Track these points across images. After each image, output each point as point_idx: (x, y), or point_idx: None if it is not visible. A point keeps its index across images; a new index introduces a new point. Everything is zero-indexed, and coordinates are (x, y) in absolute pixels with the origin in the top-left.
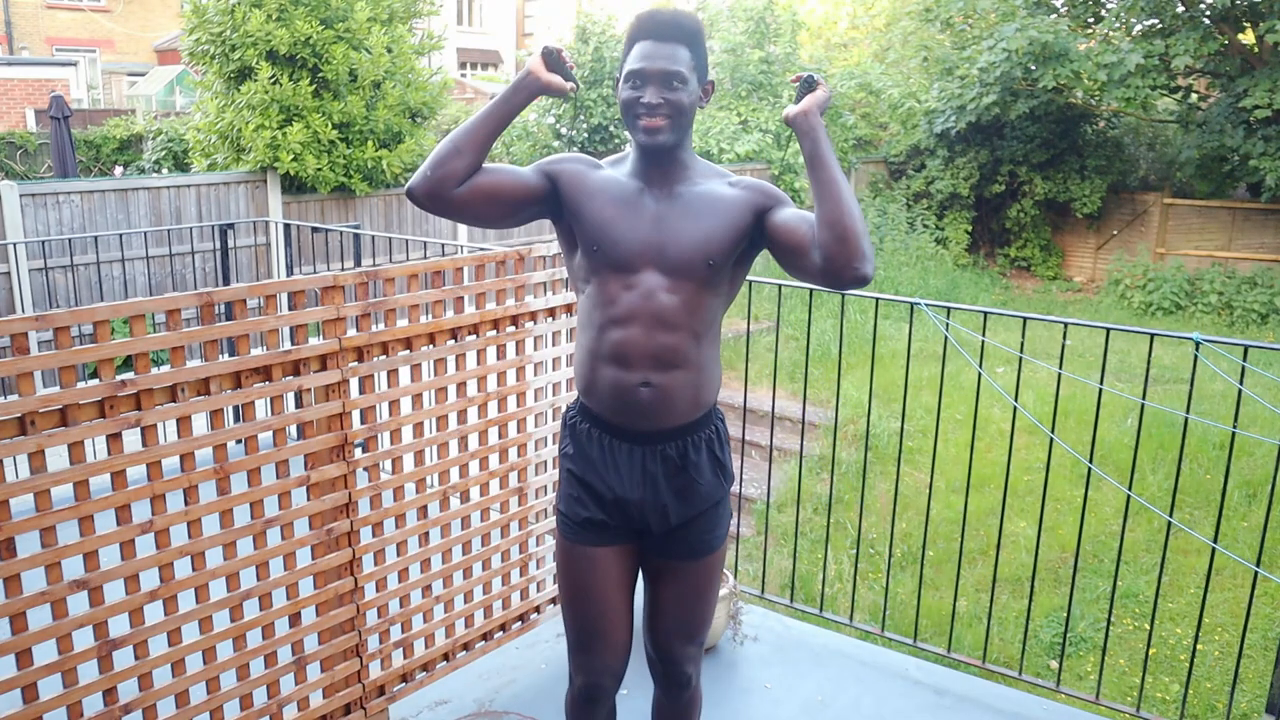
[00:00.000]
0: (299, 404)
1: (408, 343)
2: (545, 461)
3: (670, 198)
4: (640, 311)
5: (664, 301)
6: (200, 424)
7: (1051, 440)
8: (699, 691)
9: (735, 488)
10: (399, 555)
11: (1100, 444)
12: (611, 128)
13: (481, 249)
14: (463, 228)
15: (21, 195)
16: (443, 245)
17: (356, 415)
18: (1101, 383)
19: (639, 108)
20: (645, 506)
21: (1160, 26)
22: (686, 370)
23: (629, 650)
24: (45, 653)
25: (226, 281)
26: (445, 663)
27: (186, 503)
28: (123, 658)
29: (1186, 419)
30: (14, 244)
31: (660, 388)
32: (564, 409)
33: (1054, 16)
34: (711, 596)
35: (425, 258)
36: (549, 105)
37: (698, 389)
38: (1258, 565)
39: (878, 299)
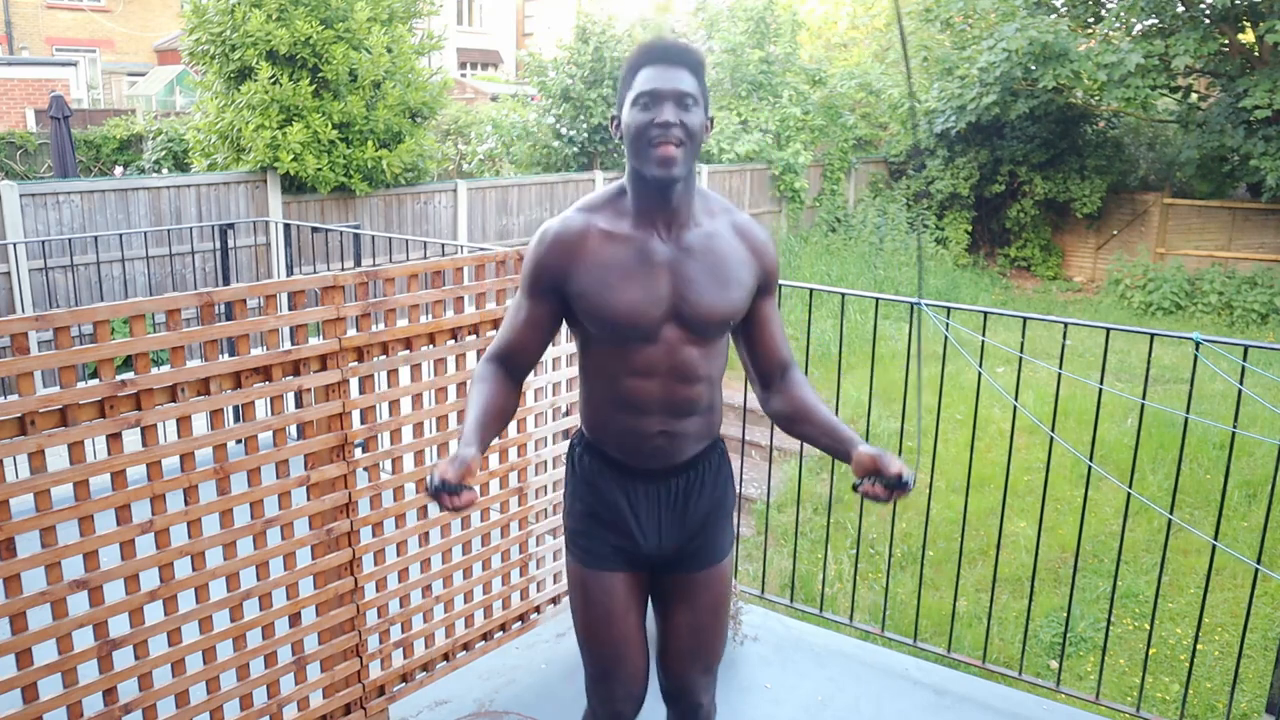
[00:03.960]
0: (299, 404)
1: (408, 343)
2: (545, 461)
3: (680, 246)
4: (660, 366)
5: (685, 356)
6: (200, 424)
7: (1051, 440)
8: (713, 717)
9: (735, 487)
10: (399, 555)
11: (1100, 444)
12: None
13: (481, 249)
14: (462, 227)
15: (21, 195)
16: (443, 245)
17: (356, 415)
18: (1101, 383)
19: (653, 130)
20: (657, 535)
21: (1160, 26)
22: (699, 415)
23: (647, 678)
24: (45, 653)
25: (226, 281)
26: (445, 663)
27: (186, 503)
28: (123, 658)
29: (1186, 419)
30: (14, 244)
31: (675, 433)
32: (570, 443)
33: (1054, 16)
34: (723, 617)
35: (425, 258)
36: (549, 105)
37: (709, 427)
38: (1258, 564)
39: (878, 299)
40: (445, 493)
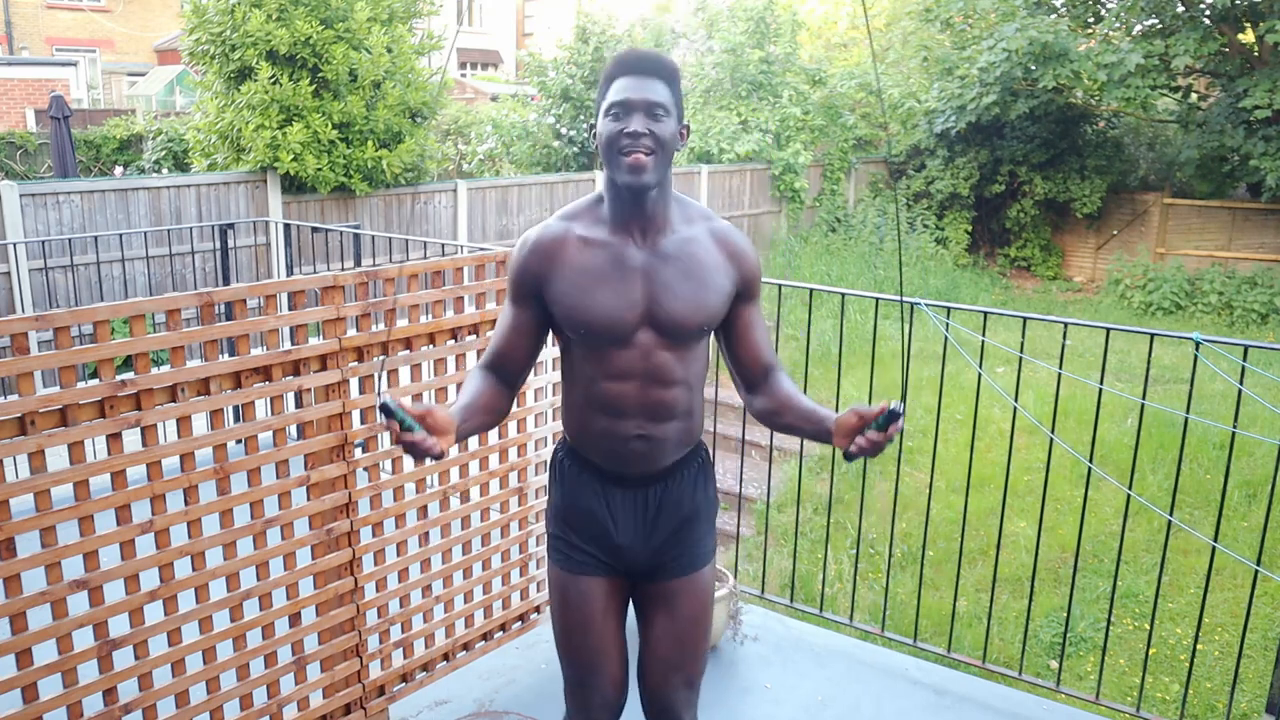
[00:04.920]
0: (299, 404)
1: (408, 343)
2: (545, 461)
3: (656, 252)
4: (635, 369)
5: (659, 360)
6: (200, 424)
7: (1051, 440)
8: None
9: (735, 487)
10: (399, 555)
11: (1100, 444)
12: None
13: (481, 249)
14: (462, 227)
15: (21, 195)
16: (443, 245)
17: (356, 415)
18: (1101, 383)
19: (623, 140)
20: (636, 542)
21: (1160, 26)
22: (678, 420)
23: (626, 688)
24: (45, 653)
25: (226, 281)
26: (445, 663)
27: (186, 503)
28: (123, 658)
29: (1186, 419)
30: (14, 244)
31: (653, 437)
32: (554, 449)
33: (1054, 16)
34: (704, 628)
35: (425, 258)
36: (549, 105)
37: (688, 433)
38: (1258, 565)
39: (878, 299)
40: (392, 418)
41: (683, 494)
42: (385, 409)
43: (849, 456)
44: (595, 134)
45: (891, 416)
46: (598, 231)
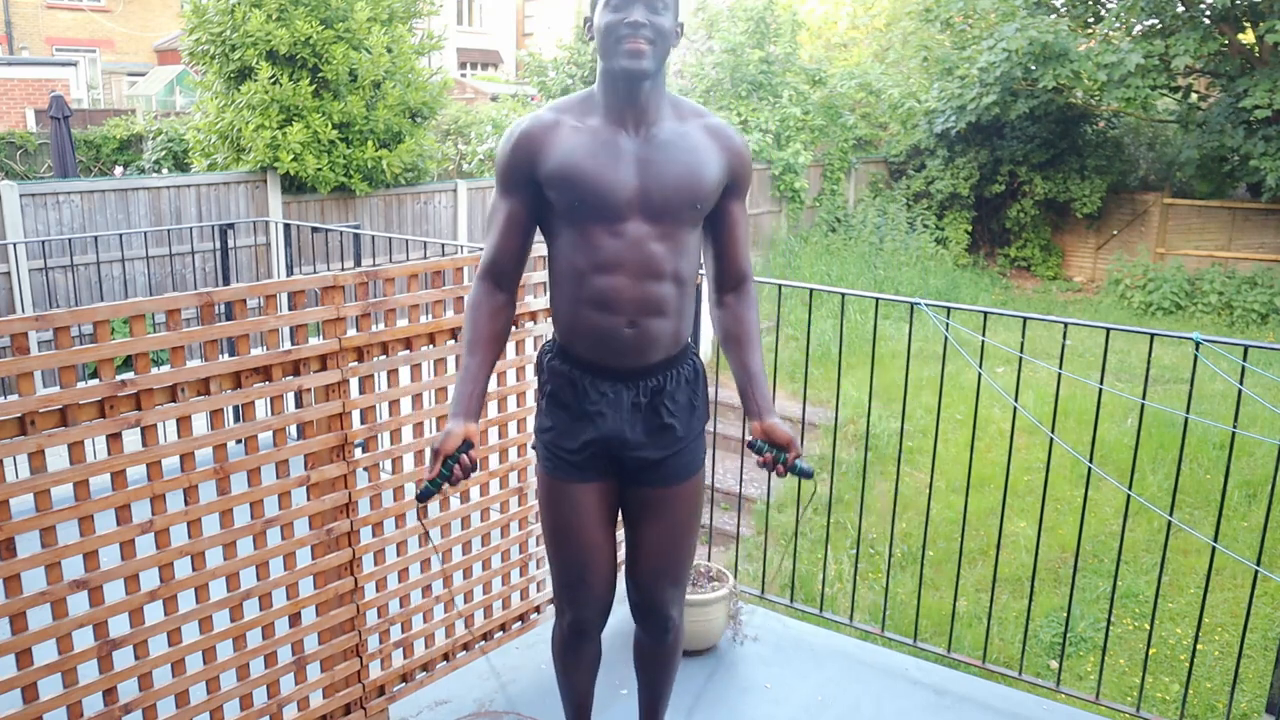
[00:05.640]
0: (299, 404)
1: (408, 343)
2: None
3: (648, 140)
4: (627, 259)
5: (651, 250)
6: (200, 424)
7: (1051, 440)
8: (681, 630)
9: (735, 487)
10: (399, 555)
11: (1100, 444)
12: None
13: (481, 249)
14: (463, 227)
15: (21, 195)
16: (443, 245)
17: (356, 415)
18: (1101, 383)
19: (623, 28)
20: (625, 439)
21: (1160, 26)
22: (668, 317)
23: (614, 584)
24: (45, 653)
25: (226, 281)
26: (445, 663)
27: (186, 503)
28: (123, 658)
29: (1186, 419)
30: (14, 244)
31: (644, 331)
32: (539, 350)
33: (1054, 16)
34: (693, 532)
35: (425, 258)
36: (549, 103)
37: (677, 331)
38: (1258, 565)
39: (878, 299)
40: (442, 483)
41: (672, 390)
42: (423, 497)
43: (751, 447)
44: (590, 28)
45: (796, 469)
46: (590, 121)
